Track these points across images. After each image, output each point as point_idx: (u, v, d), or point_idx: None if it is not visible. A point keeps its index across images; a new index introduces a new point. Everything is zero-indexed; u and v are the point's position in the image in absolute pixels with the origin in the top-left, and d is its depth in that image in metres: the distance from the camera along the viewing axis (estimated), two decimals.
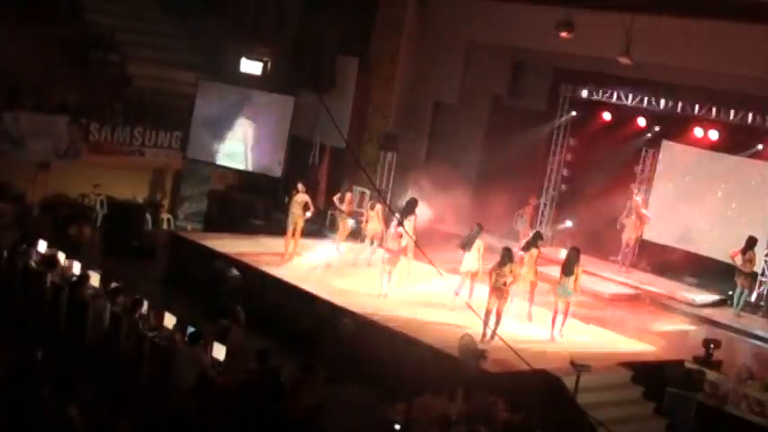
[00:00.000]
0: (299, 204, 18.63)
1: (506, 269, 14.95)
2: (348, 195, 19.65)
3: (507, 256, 15.09)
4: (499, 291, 14.94)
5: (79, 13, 24.83)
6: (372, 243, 18.75)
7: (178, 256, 18.95)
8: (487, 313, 14.88)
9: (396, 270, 16.87)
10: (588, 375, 13.13)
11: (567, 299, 15.71)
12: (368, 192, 22.28)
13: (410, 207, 17.94)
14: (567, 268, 15.64)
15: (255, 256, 18.12)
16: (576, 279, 15.60)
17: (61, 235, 18.99)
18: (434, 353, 14.10)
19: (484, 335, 14.71)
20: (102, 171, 22.49)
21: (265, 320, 15.23)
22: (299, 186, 18.80)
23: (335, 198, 19.82)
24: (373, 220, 18.81)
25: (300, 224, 18.66)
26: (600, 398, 13.89)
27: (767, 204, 20.41)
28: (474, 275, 16.55)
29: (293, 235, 18.70)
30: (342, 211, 19.55)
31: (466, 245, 16.51)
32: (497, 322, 14.94)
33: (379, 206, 18.90)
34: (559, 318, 15.81)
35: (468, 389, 12.62)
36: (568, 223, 22.48)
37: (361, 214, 21.82)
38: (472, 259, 16.49)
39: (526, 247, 16.62)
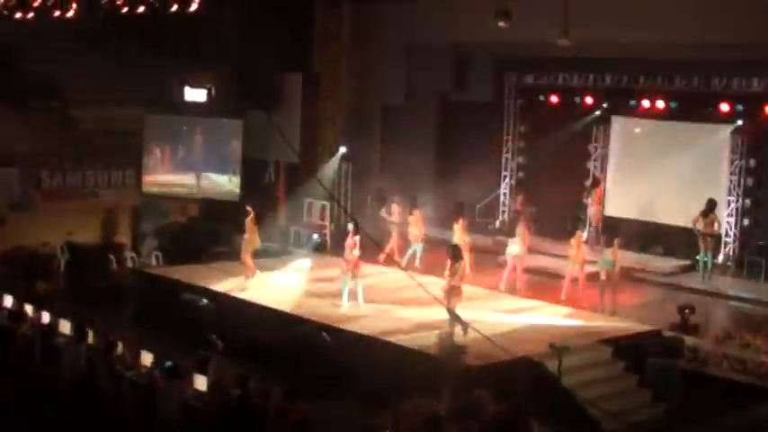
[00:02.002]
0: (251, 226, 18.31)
1: (459, 266, 15.05)
2: (394, 206, 20.20)
3: (457, 253, 15.26)
4: (457, 288, 14.93)
5: (16, 63, 24.59)
6: (417, 246, 19.62)
7: (146, 293, 18.79)
8: (451, 312, 14.77)
9: (358, 280, 16.70)
10: (569, 356, 13.18)
11: (608, 269, 17.09)
12: (328, 204, 22.30)
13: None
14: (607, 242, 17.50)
15: (223, 282, 17.99)
16: (614, 250, 17.07)
17: (26, 287, 18.74)
18: (414, 355, 14.08)
19: (456, 333, 14.64)
20: (59, 217, 22.25)
21: (244, 346, 15.14)
22: (247, 209, 18.46)
23: (382, 211, 20.41)
24: (413, 225, 19.60)
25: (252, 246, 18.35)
26: (584, 377, 13.97)
27: (722, 166, 20.67)
28: (520, 259, 18.31)
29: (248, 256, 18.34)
30: (393, 222, 20.15)
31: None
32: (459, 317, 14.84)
33: (417, 210, 19.77)
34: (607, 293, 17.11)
35: (453, 386, 12.61)
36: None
37: (324, 227, 21.84)
38: (516, 244, 18.27)
39: (572, 232, 18.16)
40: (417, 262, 19.63)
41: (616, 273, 17.27)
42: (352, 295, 16.60)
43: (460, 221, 19.27)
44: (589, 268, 17.92)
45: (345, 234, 17.15)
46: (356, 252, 16.58)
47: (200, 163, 23.72)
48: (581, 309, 17.13)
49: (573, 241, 17.98)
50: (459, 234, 19.05)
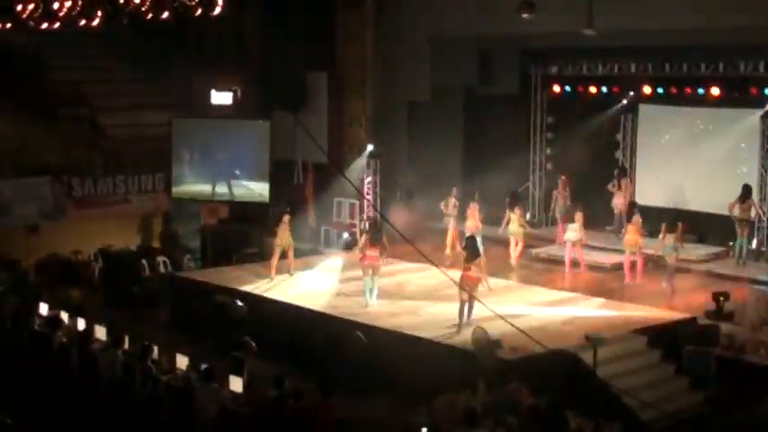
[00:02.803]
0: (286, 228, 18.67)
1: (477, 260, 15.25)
2: (452, 200, 20.59)
3: (473, 246, 15.50)
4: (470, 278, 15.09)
5: (42, 72, 24.81)
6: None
7: (180, 297, 18.91)
8: (464, 303, 14.93)
9: (375, 278, 16.68)
10: (605, 347, 13.11)
11: (672, 255, 17.60)
12: (357, 202, 22.36)
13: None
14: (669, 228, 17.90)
15: (254, 284, 18.07)
16: (677, 236, 17.65)
17: (61, 295, 18.93)
18: (449, 351, 14.08)
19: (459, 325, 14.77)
20: (91, 225, 22.47)
21: (277, 346, 15.20)
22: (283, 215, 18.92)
23: (442, 204, 20.61)
24: (471, 217, 19.91)
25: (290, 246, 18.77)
26: (620, 368, 13.89)
27: (753, 151, 20.47)
28: (577, 243, 19.16)
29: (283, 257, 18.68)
30: (449, 215, 20.50)
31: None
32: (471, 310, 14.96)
33: (474, 203, 20.12)
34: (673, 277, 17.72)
35: (488, 380, 12.60)
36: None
37: (354, 225, 21.89)
38: (575, 229, 19.05)
39: (629, 218, 18.87)
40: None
41: (676, 259, 17.86)
42: (371, 295, 16.58)
43: (516, 210, 19.76)
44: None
45: (362, 232, 17.37)
46: (375, 252, 16.52)
47: (228, 166, 23.78)
48: (615, 299, 17.08)
49: (630, 227, 18.53)
50: (516, 224, 19.64)
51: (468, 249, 15.50)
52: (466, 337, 14.10)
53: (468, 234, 18.53)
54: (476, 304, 14.61)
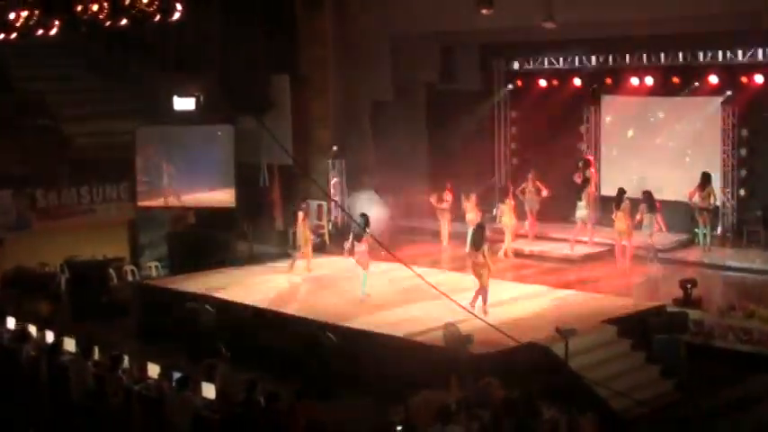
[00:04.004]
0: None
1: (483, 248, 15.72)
2: (446, 194, 21.05)
3: (480, 235, 15.87)
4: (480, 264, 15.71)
5: (5, 82, 24.56)
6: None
7: (149, 306, 18.78)
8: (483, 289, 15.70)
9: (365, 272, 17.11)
10: (575, 339, 13.20)
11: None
12: (324, 204, 22.31)
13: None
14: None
15: (224, 289, 18.00)
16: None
17: (29, 308, 18.75)
18: (421, 348, 14.10)
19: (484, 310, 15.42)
20: (56, 236, 22.28)
21: (249, 351, 15.14)
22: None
23: (432, 199, 21.05)
24: (470, 210, 20.35)
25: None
26: (591, 358, 13.98)
27: (715, 138, 20.67)
28: (587, 221, 19.96)
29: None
30: (444, 210, 21.10)
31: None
32: (485, 296, 15.71)
33: (473, 195, 20.59)
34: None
35: (460, 375, 12.62)
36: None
37: (322, 226, 21.87)
38: (583, 207, 19.83)
39: (618, 204, 18.82)
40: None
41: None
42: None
43: (507, 201, 20.24)
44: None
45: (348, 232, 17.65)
46: (363, 247, 16.98)
47: (193, 172, 23.66)
48: (585, 290, 17.19)
49: (620, 214, 18.72)
50: (508, 215, 20.07)
51: (475, 238, 15.94)
52: (438, 333, 14.13)
53: (468, 224, 19.50)
54: (446, 303, 14.62)
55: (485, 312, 15.21)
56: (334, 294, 17.47)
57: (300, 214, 19.52)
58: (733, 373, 14.22)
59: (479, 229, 16.30)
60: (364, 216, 17.59)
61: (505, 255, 20.06)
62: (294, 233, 20.05)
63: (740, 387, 13.75)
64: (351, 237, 17.27)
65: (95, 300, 19.79)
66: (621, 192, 19.27)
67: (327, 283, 18.42)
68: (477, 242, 15.80)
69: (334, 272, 19.20)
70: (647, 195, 18.96)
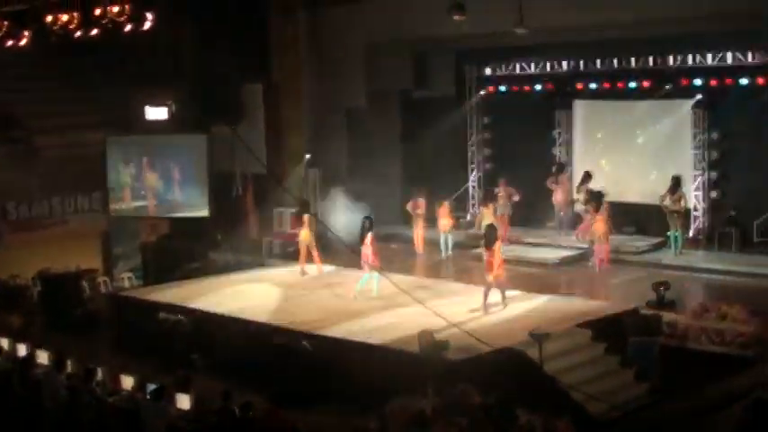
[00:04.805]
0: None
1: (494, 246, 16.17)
2: (420, 201, 21.26)
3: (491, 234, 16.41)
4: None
5: None
6: (446, 235, 20.83)
7: (122, 317, 18.68)
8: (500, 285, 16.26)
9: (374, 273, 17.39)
10: (550, 343, 13.24)
11: None
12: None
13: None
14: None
15: (198, 299, 17.91)
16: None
17: (0, 321, 18.60)
18: (396, 355, 14.08)
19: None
20: (28, 248, 22.10)
21: (224, 361, 15.08)
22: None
23: (408, 206, 21.27)
24: (444, 216, 20.81)
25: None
26: (566, 362, 14.01)
27: (686, 141, 20.81)
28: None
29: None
30: (419, 216, 21.27)
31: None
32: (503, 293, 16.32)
33: (446, 202, 21.05)
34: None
35: (437, 383, 12.62)
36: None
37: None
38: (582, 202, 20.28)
39: (597, 207, 19.04)
40: (449, 250, 20.90)
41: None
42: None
43: (490, 206, 20.54)
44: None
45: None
46: (365, 249, 17.35)
47: (166, 181, 23.58)
48: (559, 293, 17.25)
49: (598, 216, 18.91)
50: (488, 219, 20.10)
51: (486, 236, 16.40)
52: (414, 341, 14.11)
53: (442, 232, 20.61)
54: (421, 309, 14.65)
55: (504, 305, 16.03)
56: (310, 302, 17.43)
57: (306, 218, 19.64)
58: (707, 375, 14.28)
59: (491, 228, 16.82)
60: (368, 218, 17.96)
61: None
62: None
63: (714, 388, 13.81)
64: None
65: (68, 312, 19.66)
66: (600, 195, 19.39)
67: (302, 290, 18.37)
68: (490, 240, 16.22)
69: (308, 280, 19.18)
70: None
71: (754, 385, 13.16)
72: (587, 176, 20.99)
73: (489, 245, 16.24)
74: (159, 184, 23.67)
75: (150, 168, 23.62)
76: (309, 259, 19.67)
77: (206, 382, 13.55)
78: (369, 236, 17.49)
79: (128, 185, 23.81)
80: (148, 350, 16.52)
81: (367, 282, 17.30)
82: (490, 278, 16.08)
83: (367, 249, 17.44)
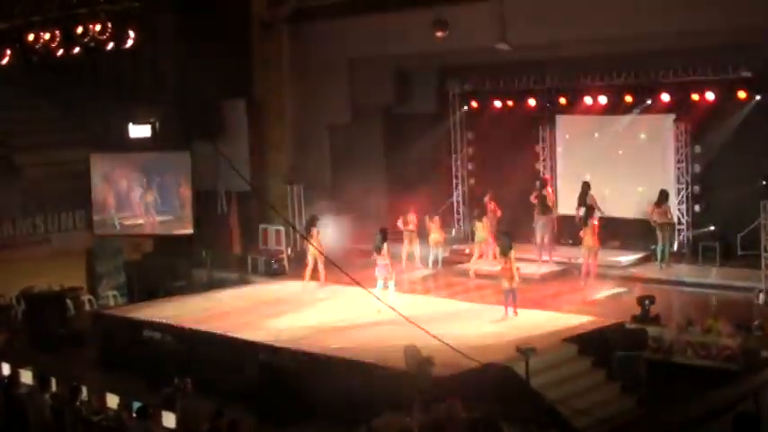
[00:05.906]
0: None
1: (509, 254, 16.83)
2: (411, 216, 21.17)
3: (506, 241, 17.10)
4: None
5: None
6: (436, 250, 21.06)
7: (106, 335, 18.59)
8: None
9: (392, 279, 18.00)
10: (536, 358, 13.23)
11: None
12: (282, 229, 22.24)
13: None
14: None
15: (182, 317, 17.84)
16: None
17: None
18: (382, 370, 14.06)
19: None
20: (11, 267, 21.98)
21: (209, 378, 15.01)
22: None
23: (399, 222, 21.11)
24: (435, 231, 21.03)
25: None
26: (552, 377, 14.02)
27: (669, 155, 20.91)
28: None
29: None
30: (411, 231, 21.15)
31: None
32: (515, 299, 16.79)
33: (437, 217, 21.33)
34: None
35: (423, 399, 12.61)
36: None
37: (281, 252, 21.79)
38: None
39: (586, 221, 18.99)
40: (439, 265, 21.05)
41: None
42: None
43: (484, 219, 20.67)
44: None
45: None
46: (381, 261, 17.87)
47: (149, 199, 23.52)
48: (544, 308, 17.26)
49: (588, 230, 18.88)
50: (481, 231, 20.51)
51: (501, 244, 17.19)
52: (400, 357, 14.10)
53: (431, 245, 20.83)
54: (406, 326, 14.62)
55: (515, 313, 16.52)
56: (295, 319, 17.41)
57: (314, 230, 19.76)
58: (693, 389, 14.32)
59: (504, 236, 17.37)
60: (383, 231, 18.24)
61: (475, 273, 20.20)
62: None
63: (700, 402, 13.86)
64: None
65: (52, 331, 19.58)
66: (590, 209, 19.40)
67: (287, 307, 18.33)
68: (504, 249, 16.76)
69: (293, 295, 19.15)
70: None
71: (739, 398, 13.21)
72: (587, 186, 20.88)
73: (505, 253, 16.80)
74: (143, 201, 23.59)
75: (134, 186, 23.53)
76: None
77: (194, 400, 13.47)
78: (385, 246, 17.88)
79: (111, 204, 23.71)
80: (133, 368, 16.45)
81: (381, 293, 17.33)
82: (507, 285, 16.55)
83: (383, 260, 17.76)
